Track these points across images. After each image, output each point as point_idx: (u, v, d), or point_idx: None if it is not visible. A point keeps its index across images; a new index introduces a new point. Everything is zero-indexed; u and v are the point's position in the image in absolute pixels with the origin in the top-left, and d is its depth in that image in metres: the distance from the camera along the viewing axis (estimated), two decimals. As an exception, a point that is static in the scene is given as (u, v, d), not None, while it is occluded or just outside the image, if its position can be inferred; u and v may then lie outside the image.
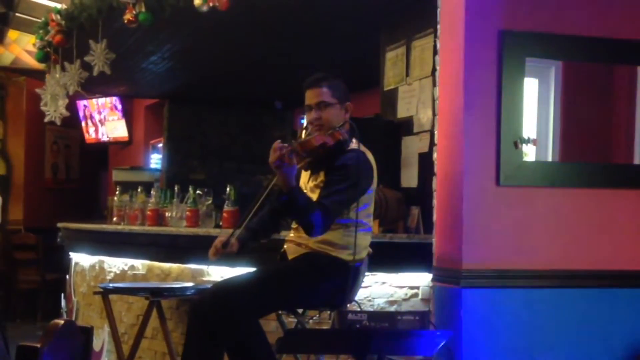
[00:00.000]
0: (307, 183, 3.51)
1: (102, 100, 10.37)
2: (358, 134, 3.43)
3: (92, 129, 10.76)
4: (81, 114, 10.76)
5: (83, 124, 10.78)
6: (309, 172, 3.55)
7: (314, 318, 3.78)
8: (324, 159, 3.41)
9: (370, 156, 3.49)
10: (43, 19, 6.29)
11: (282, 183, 3.20)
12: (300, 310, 3.59)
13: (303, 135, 3.51)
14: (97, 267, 5.84)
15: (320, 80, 3.51)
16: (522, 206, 3.56)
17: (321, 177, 3.44)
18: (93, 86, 7.61)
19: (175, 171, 9.06)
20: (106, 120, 10.54)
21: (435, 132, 3.80)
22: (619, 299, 3.64)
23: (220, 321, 3.26)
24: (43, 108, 6.20)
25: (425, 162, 4.43)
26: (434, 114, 3.95)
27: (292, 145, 3.24)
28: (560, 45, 3.63)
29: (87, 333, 2.70)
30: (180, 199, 5.45)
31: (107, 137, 10.66)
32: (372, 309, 4.20)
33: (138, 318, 5.10)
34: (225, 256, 3.50)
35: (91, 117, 10.68)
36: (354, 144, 3.46)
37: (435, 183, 3.75)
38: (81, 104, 10.56)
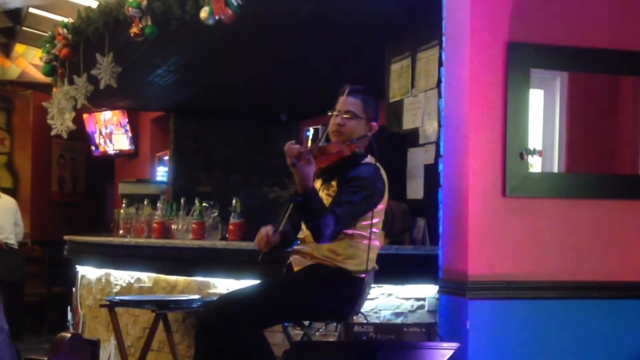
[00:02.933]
0: (320, 193, 3.51)
1: (108, 113, 10.40)
2: (376, 153, 3.43)
3: (102, 142, 10.77)
4: (91, 128, 10.79)
5: (96, 136, 10.80)
6: (320, 181, 3.56)
7: (320, 330, 3.78)
8: (337, 168, 3.42)
9: (383, 172, 3.50)
10: (50, 32, 6.32)
11: (299, 183, 3.21)
12: (306, 322, 3.59)
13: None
14: (103, 280, 5.84)
15: (358, 91, 3.53)
16: (528, 217, 3.56)
17: (333, 187, 3.45)
18: (99, 99, 7.64)
19: (181, 184, 9.08)
20: (112, 134, 10.57)
21: (441, 144, 3.80)
22: (626, 310, 3.63)
23: (225, 333, 3.26)
24: (49, 121, 6.23)
25: (431, 173, 4.44)
26: (439, 126, 3.95)
27: (310, 146, 3.27)
28: (565, 56, 3.64)
29: (94, 346, 2.71)
30: (186, 212, 5.45)
31: (114, 149, 10.69)
32: (378, 321, 4.20)
33: (144, 331, 5.10)
34: (271, 248, 3.47)
35: (100, 132, 10.71)
36: (369, 159, 3.47)
37: (441, 194, 3.75)
38: (90, 118, 10.61)
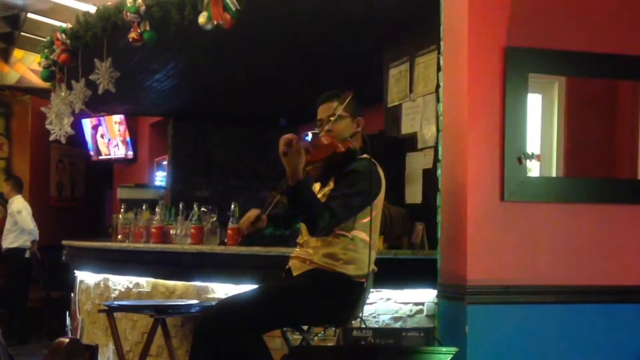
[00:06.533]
0: (318, 194, 3.51)
1: (107, 119, 10.42)
2: (370, 148, 3.44)
3: (100, 147, 10.79)
4: (90, 133, 10.80)
5: (97, 143, 10.82)
6: (319, 184, 3.56)
7: (319, 335, 3.78)
8: (333, 166, 3.43)
9: (379, 168, 3.50)
10: (48, 38, 6.33)
11: (289, 174, 3.22)
12: (305, 327, 3.59)
13: None
14: (101, 285, 5.84)
15: (332, 96, 3.56)
16: (526, 222, 3.56)
17: (330, 185, 3.46)
18: (98, 104, 7.65)
19: (180, 188, 9.08)
20: (111, 139, 10.59)
21: (439, 148, 3.81)
22: (624, 314, 3.63)
23: (224, 338, 3.26)
24: (48, 126, 6.24)
25: (430, 178, 4.44)
26: (437, 130, 3.96)
27: (302, 140, 3.28)
28: (563, 61, 3.65)
29: (92, 351, 2.71)
30: (185, 216, 5.45)
31: (112, 154, 10.70)
32: (377, 326, 4.19)
33: (143, 336, 5.09)
34: (254, 231, 3.52)
35: (99, 137, 10.73)
36: (364, 156, 3.48)
37: (440, 199, 3.75)
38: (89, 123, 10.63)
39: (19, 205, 8.71)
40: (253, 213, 3.49)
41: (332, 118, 3.48)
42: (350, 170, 3.40)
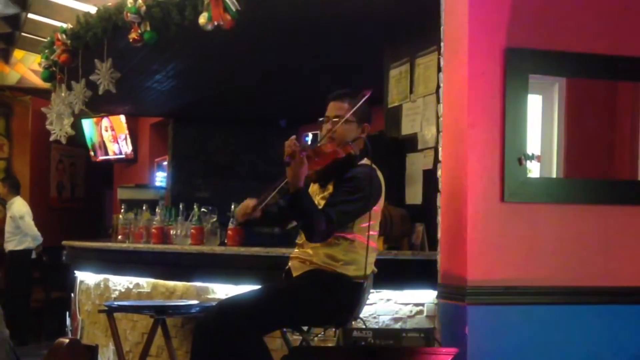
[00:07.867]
0: (316, 196, 3.52)
1: (107, 119, 10.39)
2: (371, 154, 3.43)
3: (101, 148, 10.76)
4: (90, 133, 10.77)
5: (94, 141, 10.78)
6: (317, 185, 3.56)
7: (319, 335, 3.78)
8: (333, 170, 3.42)
9: (380, 174, 3.50)
10: (49, 38, 6.33)
11: (290, 182, 3.22)
12: (305, 328, 3.59)
13: None
14: (102, 286, 5.84)
15: (344, 95, 3.54)
16: (526, 222, 3.56)
17: (329, 189, 3.46)
18: (98, 105, 7.65)
19: (180, 189, 9.08)
20: (111, 140, 10.56)
21: (440, 149, 3.81)
22: (624, 315, 3.63)
23: (224, 339, 3.26)
24: (48, 127, 6.24)
25: (430, 178, 4.44)
26: (438, 131, 3.96)
27: (305, 146, 3.27)
28: (563, 62, 3.65)
29: (92, 351, 2.72)
30: (185, 217, 5.45)
31: (113, 155, 10.68)
32: (377, 326, 4.19)
33: (143, 336, 5.09)
34: (249, 220, 3.49)
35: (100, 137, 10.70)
36: (365, 162, 3.48)
37: (440, 200, 3.75)
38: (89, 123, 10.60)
39: (21, 210, 8.68)
40: (250, 203, 3.45)
41: (335, 119, 3.47)
42: (350, 177, 3.39)
